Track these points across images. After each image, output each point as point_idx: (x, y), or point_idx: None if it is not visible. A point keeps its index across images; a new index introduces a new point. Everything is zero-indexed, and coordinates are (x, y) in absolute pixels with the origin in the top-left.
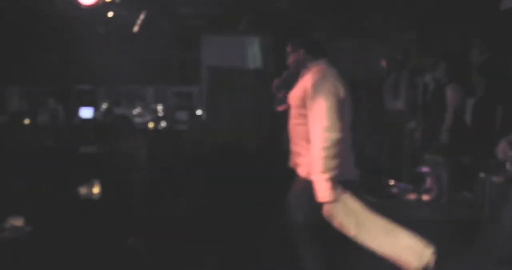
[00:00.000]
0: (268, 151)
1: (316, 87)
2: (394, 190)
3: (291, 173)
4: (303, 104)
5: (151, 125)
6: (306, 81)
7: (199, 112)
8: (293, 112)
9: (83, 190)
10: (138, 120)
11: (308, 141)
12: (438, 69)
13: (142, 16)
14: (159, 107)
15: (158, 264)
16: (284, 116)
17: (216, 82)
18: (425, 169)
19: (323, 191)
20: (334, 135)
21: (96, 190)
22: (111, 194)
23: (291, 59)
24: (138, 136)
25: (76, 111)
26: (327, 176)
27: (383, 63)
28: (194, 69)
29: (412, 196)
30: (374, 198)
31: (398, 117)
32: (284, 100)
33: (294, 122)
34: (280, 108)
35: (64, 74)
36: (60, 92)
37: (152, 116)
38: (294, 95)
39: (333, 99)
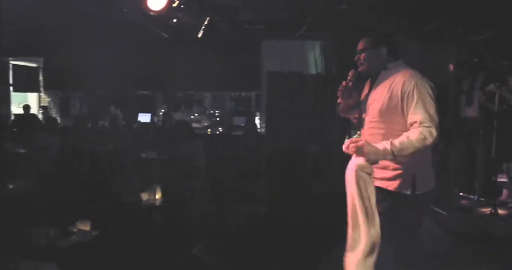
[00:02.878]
0: (330, 157)
1: (418, 92)
2: (466, 203)
3: None
4: (395, 110)
5: (208, 130)
6: (395, 85)
7: (256, 117)
8: (375, 120)
9: (145, 196)
10: (195, 125)
11: None
12: None
13: (206, 22)
14: (217, 113)
15: None
16: (347, 121)
17: (276, 88)
18: (501, 180)
19: (377, 156)
20: (436, 133)
21: (157, 195)
22: (172, 199)
23: (364, 58)
24: (198, 141)
25: (135, 116)
26: (395, 156)
27: (452, 67)
28: (255, 74)
29: (485, 210)
30: (443, 211)
31: (471, 124)
32: (354, 106)
33: (378, 133)
34: (348, 115)
35: (124, 80)
36: (120, 98)
37: (210, 121)
38: (379, 101)
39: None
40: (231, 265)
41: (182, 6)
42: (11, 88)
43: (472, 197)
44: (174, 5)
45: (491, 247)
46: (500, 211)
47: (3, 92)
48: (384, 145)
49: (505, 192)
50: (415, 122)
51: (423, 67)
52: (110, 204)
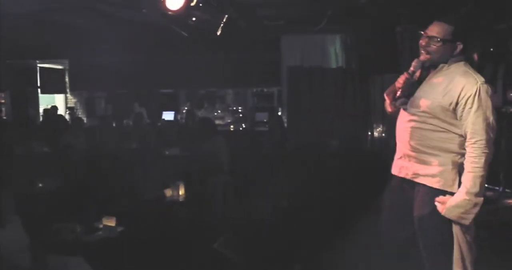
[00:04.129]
0: (351, 151)
1: (480, 99)
2: (490, 194)
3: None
4: (446, 109)
5: (231, 126)
6: (455, 85)
7: (279, 113)
8: (421, 113)
9: (168, 192)
10: (218, 122)
11: (443, 149)
12: None
13: (224, 19)
14: (240, 109)
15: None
16: (368, 115)
17: (297, 82)
18: None
19: (468, 214)
20: (491, 152)
21: (181, 192)
22: (195, 196)
23: (436, 49)
24: (221, 137)
25: (159, 114)
26: (481, 199)
27: (475, 56)
28: (275, 70)
29: (510, 201)
30: None
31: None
32: (406, 98)
33: (421, 127)
34: (396, 107)
35: (147, 79)
36: (143, 96)
37: (233, 118)
38: (431, 96)
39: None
40: (254, 260)
41: (200, 5)
42: (39, 90)
43: (497, 188)
44: (193, 4)
45: None
46: None
47: (32, 94)
48: (458, 195)
49: None
50: (470, 138)
51: None
52: (134, 201)
